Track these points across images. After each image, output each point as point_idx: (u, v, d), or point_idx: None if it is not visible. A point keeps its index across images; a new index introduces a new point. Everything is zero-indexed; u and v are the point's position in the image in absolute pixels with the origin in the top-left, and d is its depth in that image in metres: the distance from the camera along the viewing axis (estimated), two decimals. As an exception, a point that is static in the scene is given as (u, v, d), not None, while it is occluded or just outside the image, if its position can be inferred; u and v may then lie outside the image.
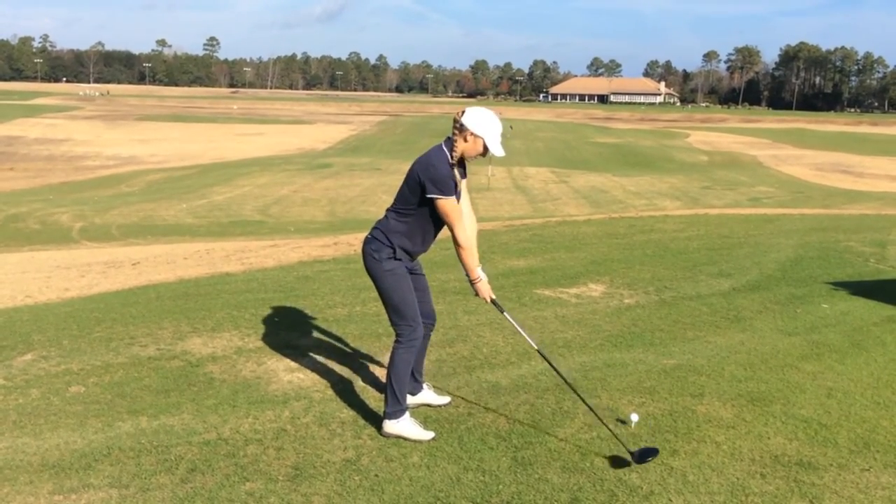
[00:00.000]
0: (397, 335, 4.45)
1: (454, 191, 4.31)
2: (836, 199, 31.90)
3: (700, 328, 6.76)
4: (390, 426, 4.42)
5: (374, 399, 5.02)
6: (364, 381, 5.37)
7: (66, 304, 8.61)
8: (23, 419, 4.76)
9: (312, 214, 29.41)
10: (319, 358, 5.81)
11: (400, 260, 4.41)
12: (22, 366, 5.77)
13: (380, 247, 4.39)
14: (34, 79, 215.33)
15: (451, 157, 4.29)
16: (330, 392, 5.15)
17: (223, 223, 26.86)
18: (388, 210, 4.46)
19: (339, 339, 6.28)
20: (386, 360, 5.71)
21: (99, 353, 6.04)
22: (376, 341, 6.20)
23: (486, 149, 4.31)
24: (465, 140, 4.28)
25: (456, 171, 4.34)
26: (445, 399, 4.95)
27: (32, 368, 5.70)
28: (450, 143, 4.31)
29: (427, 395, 4.89)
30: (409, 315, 4.42)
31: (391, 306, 4.44)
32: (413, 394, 4.81)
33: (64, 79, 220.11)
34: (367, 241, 4.47)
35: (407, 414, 4.45)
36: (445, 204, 4.25)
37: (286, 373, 5.51)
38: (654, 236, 12.50)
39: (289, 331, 6.54)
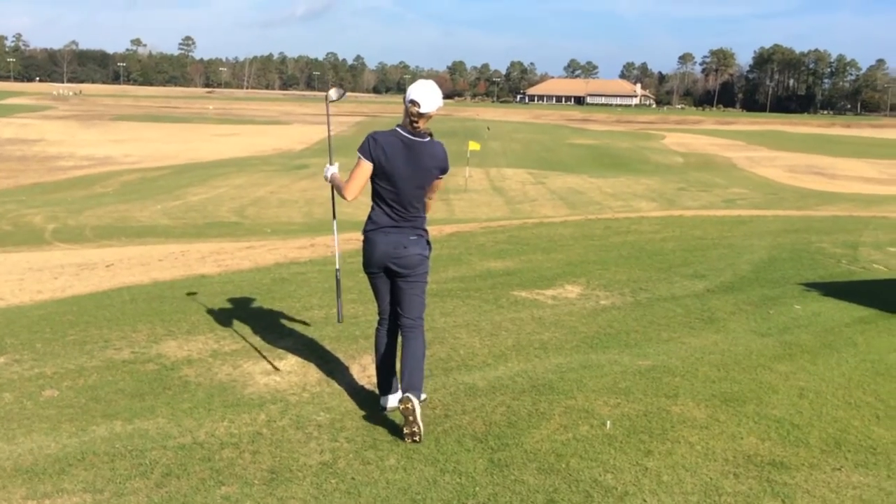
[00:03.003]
0: (420, 324, 4.70)
1: None
2: (809, 200, 32.26)
3: (674, 329, 6.82)
4: (416, 400, 4.40)
5: (350, 402, 5.02)
6: (340, 383, 5.36)
7: (39, 306, 8.52)
8: (-5, 424, 4.72)
9: (289, 216, 29.27)
10: (296, 361, 5.80)
11: None
12: (-6, 369, 5.70)
13: (426, 246, 4.66)
14: (7, 78, 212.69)
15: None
16: (306, 395, 5.14)
17: (199, 224, 26.67)
18: (411, 209, 4.56)
19: (315, 342, 6.27)
20: (363, 361, 5.73)
21: (72, 356, 5.99)
22: (353, 343, 6.20)
23: (413, 105, 4.44)
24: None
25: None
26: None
27: (5, 372, 5.65)
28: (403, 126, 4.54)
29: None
30: None
31: (423, 297, 4.72)
32: (392, 392, 4.85)
33: (37, 78, 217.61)
34: (413, 244, 4.58)
35: None
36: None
37: (262, 376, 5.50)
38: (630, 238, 12.59)
39: (265, 333, 6.52)
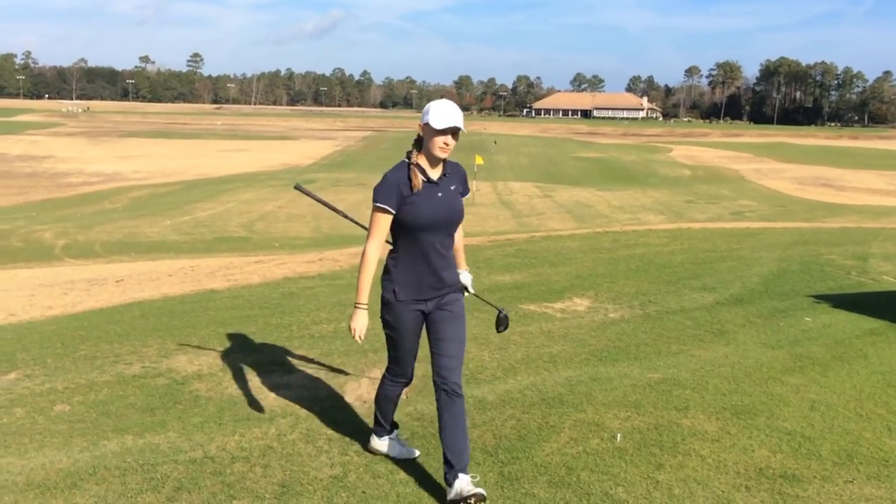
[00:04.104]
0: (388, 367, 4.26)
1: (393, 201, 3.88)
2: (818, 212, 32.15)
3: (684, 342, 6.81)
4: (375, 442, 4.44)
5: (360, 415, 5.03)
6: (351, 397, 5.37)
7: (50, 322, 8.56)
8: (7, 438, 4.74)
9: (297, 230, 29.31)
10: (305, 374, 5.81)
11: (403, 301, 3.96)
12: (6, 385, 5.73)
13: (385, 287, 4.02)
14: (16, 95, 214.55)
15: (413, 158, 3.93)
16: (316, 409, 5.15)
17: (207, 239, 26.72)
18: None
19: (325, 356, 6.28)
20: (372, 375, 5.74)
21: (84, 371, 6.01)
22: (362, 357, 6.21)
23: (436, 131, 3.82)
24: (422, 135, 3.91)
25: (420, 178, 3.92)
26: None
27: (17, 387, 5.67)
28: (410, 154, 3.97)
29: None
30: (399, 361, 4.17)
31: (387, 346, 4.19)
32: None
33: (46, 95, 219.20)
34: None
35: (393, 434, 4.43)
36: (374, 214, 3.90)
37: (272, 390, 5.51)
38: (638, 250, 12.57)
39: (274, 347, 6.53)
